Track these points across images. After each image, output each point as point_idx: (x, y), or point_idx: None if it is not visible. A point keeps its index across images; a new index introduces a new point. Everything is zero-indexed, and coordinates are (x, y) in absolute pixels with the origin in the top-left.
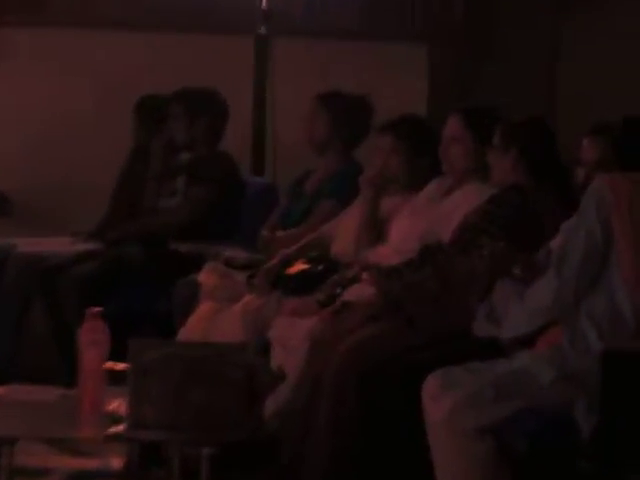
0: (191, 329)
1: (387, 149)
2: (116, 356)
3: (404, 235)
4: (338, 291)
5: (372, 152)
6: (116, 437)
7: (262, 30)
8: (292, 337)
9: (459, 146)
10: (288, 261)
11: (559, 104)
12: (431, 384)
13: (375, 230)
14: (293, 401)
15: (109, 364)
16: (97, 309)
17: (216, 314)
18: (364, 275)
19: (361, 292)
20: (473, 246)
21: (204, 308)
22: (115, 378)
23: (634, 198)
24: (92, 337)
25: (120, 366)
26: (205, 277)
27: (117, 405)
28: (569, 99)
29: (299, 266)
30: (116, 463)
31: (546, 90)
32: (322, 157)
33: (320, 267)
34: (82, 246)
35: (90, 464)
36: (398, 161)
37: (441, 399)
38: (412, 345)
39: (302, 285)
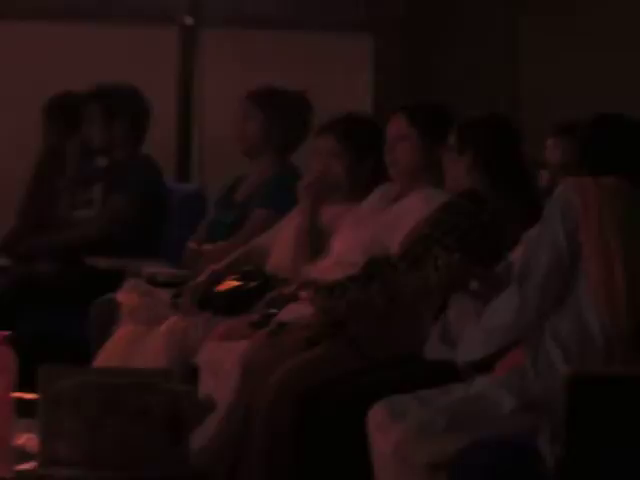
0: (109, 354)
1: (327, 152)
2: (25, 385)
3: (347, 247)
4: (273, 311)
5: (311, 156)
6: (26, 475)
7: (188, 20)
8: (222, 363)
9: (405, 144)
10: (218, 277)
11: (522, 101)
12: (377, 413)
13: (315, 242)
14: (223, 433)
15: (17, 394)
16: (3, 332)
17: (137, 337)
18: (302, 293)
19: (299, 312)
20: (425, 259)
21: (124, 331)
22: (24, 409)
23: (603, 205)
24: None
25: (30, 396)
26: (125, 296)
27: (27, 439)
28: (533, 96)
29: (230, 283)
30: None
31: (507, 83)
32: (255, 161)
33: (253, 284)
34: None
35: None
36: (340, 165)
37: (388, 430)
38: (356, 370)
39: (233, 304)
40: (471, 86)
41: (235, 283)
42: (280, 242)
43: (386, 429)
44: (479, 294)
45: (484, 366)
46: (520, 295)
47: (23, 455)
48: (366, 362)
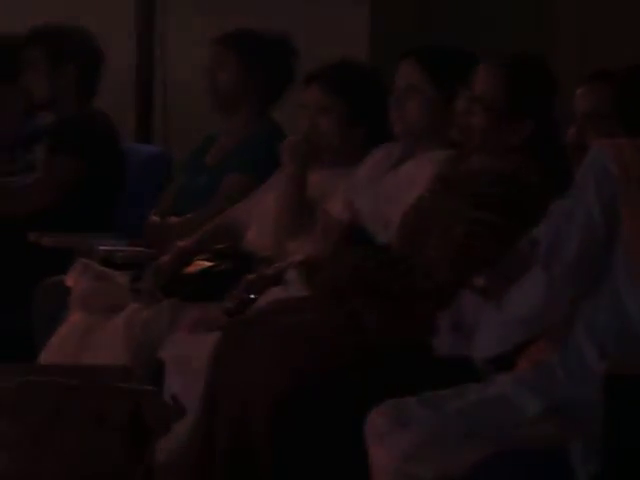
0: (57, 349)
1: (315, 106)
2: None
3: None
4: (252, 296)
5: (296, 111)
6: None
7: None
8: (192, 358)
9: (415, 97)
10: (186, 257)
11: (560, 44)
12: (377, 420)
13: (301, 214)
14: (194, 444)
15: None
16: None
17: (90, 329)
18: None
19: (283, 297)
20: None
21: (74, 321)
22: None
23: None
24: None
25: None
26: (75, 280)
27: None
28: (573, 37)
29: (200, 263)
30: None
31: (542, 21)
32: (229, 118)
33: (228, 264)
34: None
35: None
36: (330, 122)
37: (391, 440)
38: (350, 362)
39: (204, 289)
40: (497, 25)
41: (206, 263)
42: (259, 214)
43: (387, 439)
44: (485, 292)
45: (505, 362)
46: (547, 278)
47: None
48: (366, 340)
